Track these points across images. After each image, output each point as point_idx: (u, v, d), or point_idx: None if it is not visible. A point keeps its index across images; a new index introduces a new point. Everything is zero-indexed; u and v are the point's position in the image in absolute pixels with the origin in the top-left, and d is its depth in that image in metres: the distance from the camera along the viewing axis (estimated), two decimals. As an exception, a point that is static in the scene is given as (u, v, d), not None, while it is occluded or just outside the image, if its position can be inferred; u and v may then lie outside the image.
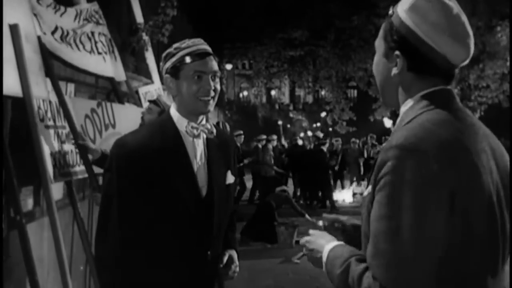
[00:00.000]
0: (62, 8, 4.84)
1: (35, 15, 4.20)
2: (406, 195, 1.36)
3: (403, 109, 1.62)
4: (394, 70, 1.61)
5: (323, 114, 37.97)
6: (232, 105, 38.99)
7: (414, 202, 1.35)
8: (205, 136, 2.37)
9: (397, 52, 1.59)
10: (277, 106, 56.03)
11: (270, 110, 52.07)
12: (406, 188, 1.36)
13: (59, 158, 4.05)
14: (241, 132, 13.94)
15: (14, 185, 3.48)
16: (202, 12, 19.07)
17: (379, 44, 1.68)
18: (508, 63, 15.22)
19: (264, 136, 14.76)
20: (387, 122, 16.24)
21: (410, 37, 1.55)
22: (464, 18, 1.55)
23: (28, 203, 4.07)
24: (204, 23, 18.61)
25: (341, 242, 1.72)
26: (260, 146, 14.23)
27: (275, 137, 15.99)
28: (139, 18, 7.91)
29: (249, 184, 14.74)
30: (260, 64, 25.27)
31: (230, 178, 2.46)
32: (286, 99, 60.92)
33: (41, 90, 3.95)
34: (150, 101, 4.64)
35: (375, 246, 1.41)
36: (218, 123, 10.91)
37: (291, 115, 56.13)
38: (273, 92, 54.83)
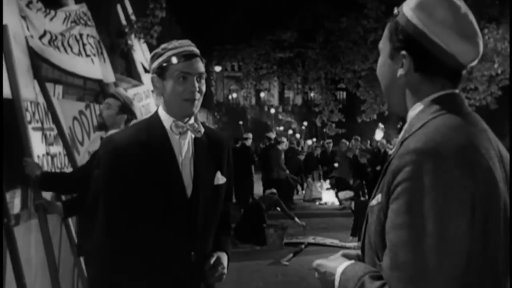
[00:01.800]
0: (52, 12, 4.81)
1: (24, 17, 4.18)
2: (427, 201, 1.29)
3: (411, 113, 1.55)
4: (400, 71, 1.54)
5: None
6: (221, 107, 39.01)
7: (437, 209, 1.28)
8: (192, 135, 2.38)
9: (403, 52, 1.52)
10: (266, 108, 56.13)
11: (259, 112, 52.15)
12: (427, 194, 1.29)
13: (47, 161, 4.03)
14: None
15: (2, 187, 3.46)
16: (191, 14, 19.06)
17: (384, 45, 1.62)
18: (496, 65, 15.31)
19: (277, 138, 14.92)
20: (378, 135, 16.18)
21: (417, 36, 1.48)
22: (471, 17, 1.49)
23: (15, 205, 4.04)
24: (193, 25, 18.61)
25: (353, 261, 1.59)
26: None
27: (285, 139, 16.04)
28: (127, 19, 7.91)
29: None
30: (249, 66, 25.21)
31: (220, 179, 2.44)
32: (275, 101, 61.02)
33: (30, 92, 3.93)
34: (107, 96, 4.27)
35: (395, 257, 1.33)
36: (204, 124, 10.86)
37: (280, 117, 56.24)
38: (262, 94, 54.91)
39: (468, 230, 1.29)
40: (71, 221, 4.22)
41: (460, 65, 1.50)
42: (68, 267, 4.44)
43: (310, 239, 9.79)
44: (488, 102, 16.99)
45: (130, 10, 8.00)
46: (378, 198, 1.47)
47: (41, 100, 4.15)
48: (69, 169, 4.32)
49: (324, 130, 26.02)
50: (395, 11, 1.58)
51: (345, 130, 24.55)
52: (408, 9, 1.52)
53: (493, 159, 1.40)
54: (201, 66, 2.32)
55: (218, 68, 29.13)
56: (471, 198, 1.30)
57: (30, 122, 3.86)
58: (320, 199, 16.14)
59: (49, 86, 4.74)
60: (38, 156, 3.89)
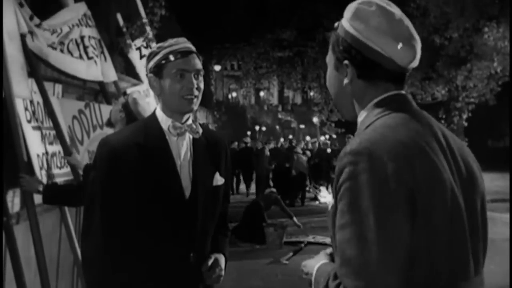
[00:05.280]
0: (59, 30, 4.82)
1: (30, 33, 4.18)
2: (364, 198, 1.34)
3: (359, 119, 1.61)
4: (345, 81, 1.60)
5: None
6: (220, 106, 38.99)
7: (373, 204, 1.33)
8: (191, 136, 2.37)
9: (345, 62, 1.58)
10: (265, 107, 56.14)
11: (258, 111, 52.15)
12: (363, 192, 1.34)
13: (46, 160, 4.02)
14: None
15: (2, 186, 3.46)
16: (191, 13, 19.05)
17: (330, 58, 1.68)
18: (495, 64, 15.34)
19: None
20: None
21: (356, 44, 1.54)
22: (407, 22, 1.56)
23: (15, 204, 4.03)
24: (193, 24, 18.59)
25: (327, 261, 1.68)
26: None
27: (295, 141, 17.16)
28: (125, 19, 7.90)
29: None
30: (249, 65, 25.25)
31: (219, 180, 2.43)
32: (274, 100, 61.04)
33: (23, 89, 3.90)
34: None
35: (342, 255, 1.38)
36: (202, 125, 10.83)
37: (279, 116, 56.26)
38: (261, 93, 54.91)
39: (407, 223, 1.34)
40: (70, 221, 4.22)
41: (400, 68, 1.56)
42: (68, 266, 4.43)
43: (310, 238, 9.79)
44: (487, 98, 17.01)
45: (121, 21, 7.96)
46: (332, 202, 1.52)
47: (39, 99, 4.14)
48: (69, 168, 4.31)
49: (324, 129, 26.05)
50: (336, 24, 1.66)
51: (345, 130, 24.59)
52: (345, 21, 1.60)
53: (437, 153, 1.45)
54: (198, 63, 2.31)
55: (217, 67, 29.16)
56: (408, 192, 1.34)
57: (30, 121, 3.86)
58: (317, 198, 16.22)
59: (49, 85, 4.74)
60: (38, 155, 3.88)
